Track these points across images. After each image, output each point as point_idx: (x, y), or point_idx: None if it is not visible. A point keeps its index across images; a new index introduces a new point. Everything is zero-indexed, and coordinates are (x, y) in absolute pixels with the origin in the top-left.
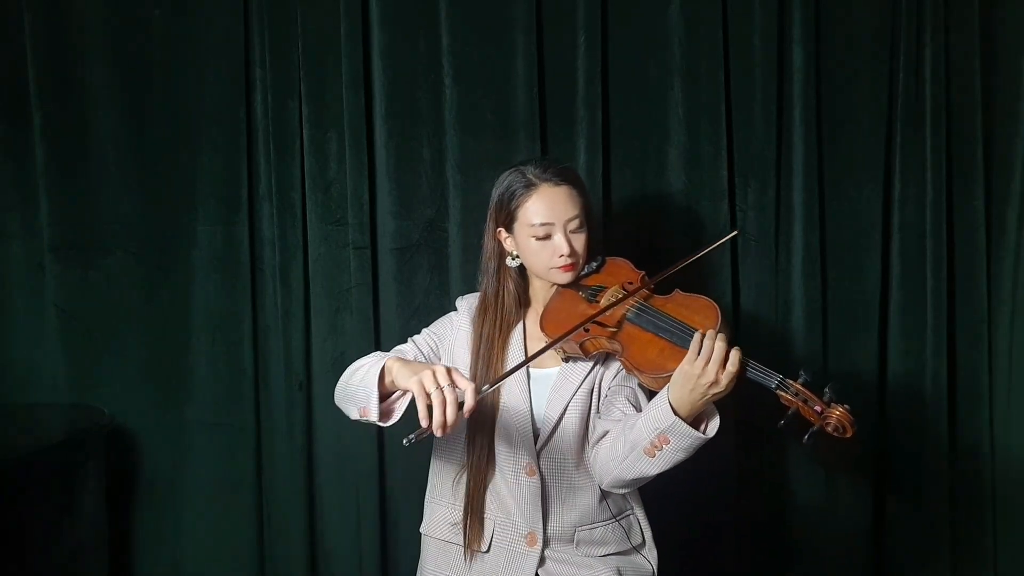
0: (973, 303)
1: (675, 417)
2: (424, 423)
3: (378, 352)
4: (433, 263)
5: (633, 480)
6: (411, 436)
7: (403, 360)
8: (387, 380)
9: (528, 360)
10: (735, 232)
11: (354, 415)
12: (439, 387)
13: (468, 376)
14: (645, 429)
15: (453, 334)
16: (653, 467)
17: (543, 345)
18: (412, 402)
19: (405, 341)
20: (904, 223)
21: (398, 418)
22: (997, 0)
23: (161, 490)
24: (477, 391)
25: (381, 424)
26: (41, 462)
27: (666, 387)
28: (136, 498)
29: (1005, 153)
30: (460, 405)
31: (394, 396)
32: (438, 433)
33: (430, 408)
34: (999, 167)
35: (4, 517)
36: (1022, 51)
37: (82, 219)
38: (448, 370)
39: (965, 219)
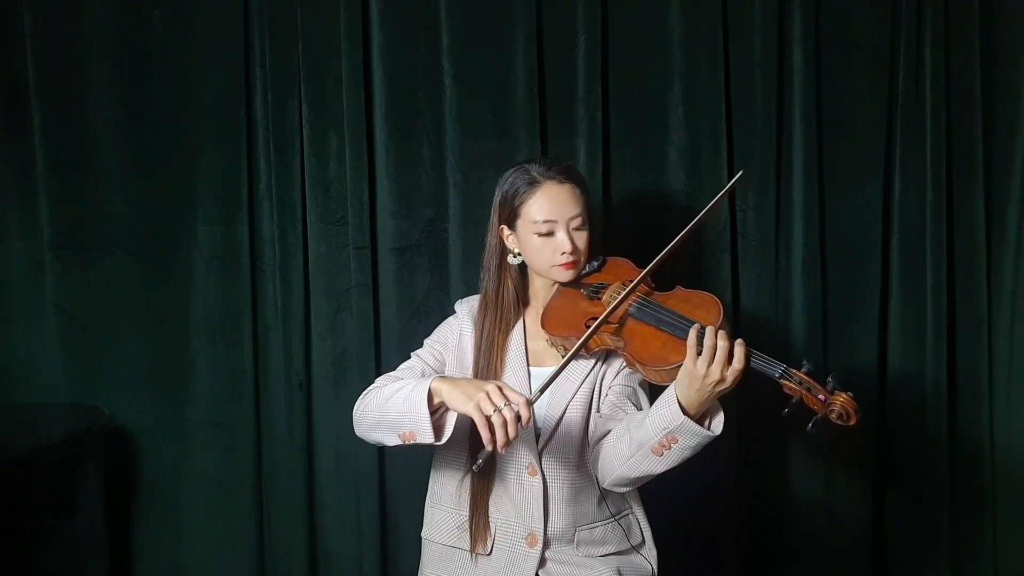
0: (973, 303)
1: (684, 417)
2: (489, 446)
3: (389, 376)
4: (433, 263)
5: (638, 478)
6: (479, 462)
7: (449, 380)
8: (435, 401)
9: (567, 360)
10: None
11: (392, 441)
12: (496, 408)
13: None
14: (653, 429)
15: (457, 337)
16: (660, 465)
17: (544, 342)
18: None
19: (404, 342)
20: (904, 223)
21: (449, 434)
22: (997, 1)
23: (161, 490)
24: (528, 402)
25: (436, 443)
26: (41, 462)
27: (672, 386)
28: (136, 498)
29: (1005, 153)
30: (518, 417)
31: (438, 414)
32: (502, 451)
33: (491, 429)
34: (999, 167)
35: (4, 517)
36: (1022, 51)
37: (82, 219)
38: (499, 388)
39: (965, 219)
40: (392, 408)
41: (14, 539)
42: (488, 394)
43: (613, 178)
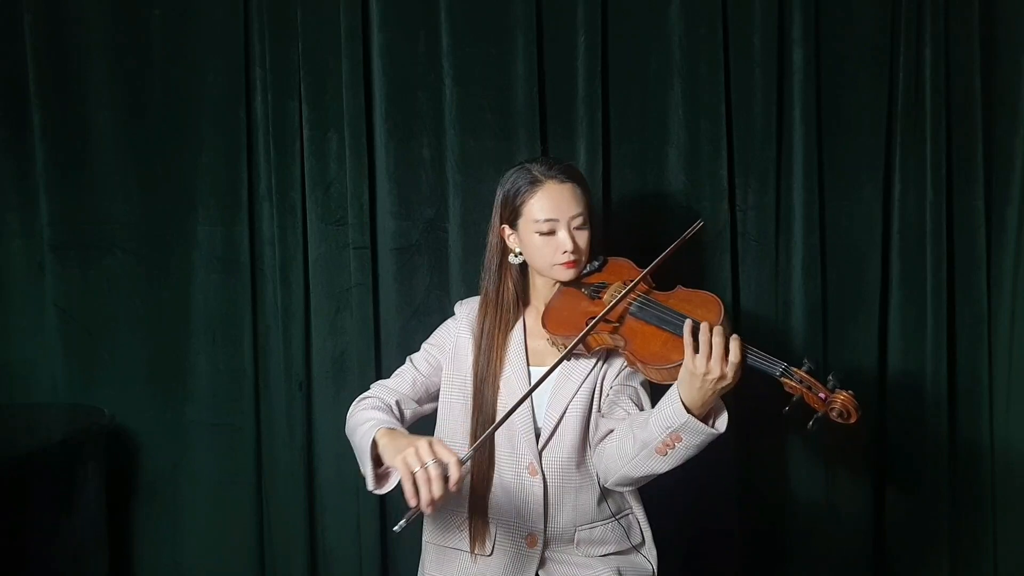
0: (973, 303)
1: (688, 415)
2: (412, 502)
3: (382, 384)
4: (433, 263)
5: (641, 478)
6: (401, 522)
7: (391, 433)
8: (378, 449)
9: (563, 357)
10: (700, 223)
11: (360, 467)
12: (423, 465)
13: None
14: (656, 428)
15: (454, 341)
16: (664, 465)
17: (544, 343)
18: None
19: (404, 342)
20: (904, 223)
21: (392, 485)
22: (997, 1)
23: (161, 490)
24: (460, 462)
25: (377, 492)
26: (41, 462)
27: (675, 386)
28: (136, 498)
29: (1005, 153)
30: (446, 479)
31: (387, 463)
32: (427, 511)
33: (417, 486)
34: (999, 167)
35: (4, 517)
36: (1022, 51)
37: (82, 219)
38: (430, 444)
39: (965, 219)
40: (355, 438)
41: (14, 539)
42: (416, 449)
43: (613, 178)
